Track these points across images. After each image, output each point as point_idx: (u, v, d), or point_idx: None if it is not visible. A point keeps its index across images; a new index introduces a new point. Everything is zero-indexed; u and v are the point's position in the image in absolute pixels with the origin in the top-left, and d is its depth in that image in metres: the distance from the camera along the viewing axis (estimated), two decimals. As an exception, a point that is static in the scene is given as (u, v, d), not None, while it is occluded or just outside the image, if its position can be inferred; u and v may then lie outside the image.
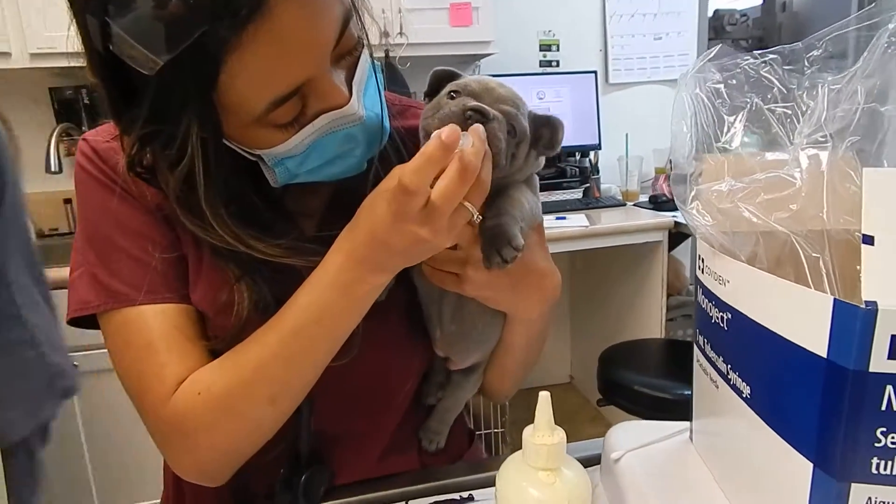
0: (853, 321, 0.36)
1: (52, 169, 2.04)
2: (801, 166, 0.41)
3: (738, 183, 0.47)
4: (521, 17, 2.71)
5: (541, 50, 2.78)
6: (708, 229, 0.49)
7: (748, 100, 0.50)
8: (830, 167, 0.40)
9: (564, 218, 2.15)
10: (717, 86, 0.51)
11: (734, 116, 0.50)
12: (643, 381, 1.62)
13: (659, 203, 2.32)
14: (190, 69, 0.46)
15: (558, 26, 2.78)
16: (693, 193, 0.51)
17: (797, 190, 0.41)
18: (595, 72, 2.57)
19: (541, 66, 2.77)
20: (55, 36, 1.86)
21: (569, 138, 2.72)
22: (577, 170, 2.53)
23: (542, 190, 2.33)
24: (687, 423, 0.63)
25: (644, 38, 2.88)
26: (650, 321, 2.26)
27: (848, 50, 0.49)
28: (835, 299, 0.37)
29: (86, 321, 0.60)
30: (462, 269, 0.59)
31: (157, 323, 0.58)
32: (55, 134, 2.06)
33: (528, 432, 0.45)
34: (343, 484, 0.67)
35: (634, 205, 2.45)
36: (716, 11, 3.07)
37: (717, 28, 3.21)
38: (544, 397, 0.45)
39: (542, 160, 0.64)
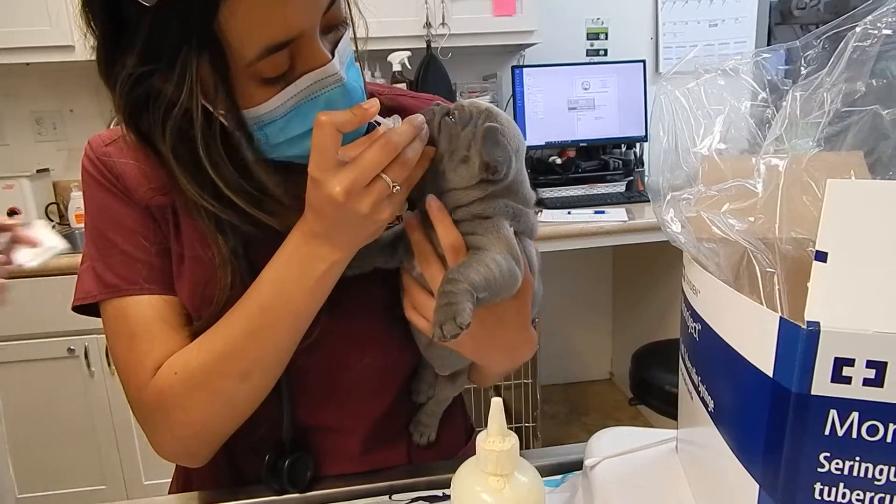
0: (796, 341, 0.34)
1: (110, 157, 2.16)
2: (762, 176, 0.40)
3: (708, 190, 0.45)
4: (568, 4, 2.65)
5: (588, 38, 2.71)
6: (679, 237, 0.47)
7: (728, 103, 0.49)
8: (790, 177, 0.38)
9: (604, 212, 2.11)
10: (698, 88, 0.50)
11: (712, 120, 0.48)
12: (674, 382, 1.58)
13: (706, 197, 2.23)
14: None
15: (607, 14, 2.71)
16: (668, 199, 0.50)
17: (756, 201, 0.40)
18: (644, 61, 2.49)
19: (588, 55, 2.71)
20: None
21: (614, 130, 2.63)
22: (621, 162, 2.46)
23: (584, 182, 2.26)
24: (674, 433, 0.61)
25: (698, 25, 2.77)
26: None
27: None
28: (780, 318, 0.35)
29: (91, 309, 0.64)
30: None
31: (142, 313, 0.61)
32: (112, 124, 2.16)
33: (481, 437, 0.45)
34: (329, 475, 0.69)
35: (680, 199, 2.36)
36: (782, -5, 2.91)
37: (784, 13, 3.04)
38: (496, 403, 0.45)
39: (504, 206, 0.59)
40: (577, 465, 0.68)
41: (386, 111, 0.71)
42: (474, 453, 0.82)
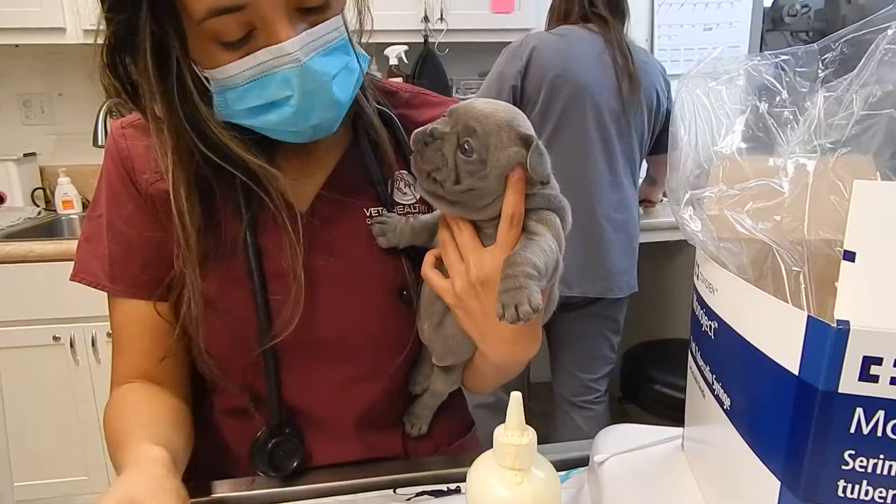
0: (824, 340, 0.35)
1: (100, 143, 2.12)
2: (788, 175, 0.40)
3: (729, 189, 0.46)
4: (566, 4, 2.65)
5: (584, 38, 2.72)
6: (698, 236, 0.47)
7: (749, 103, 0.49)
8: (817, 178, 0.38)
9: (597, 212, 2.11)
10: (719, 88, 0.50)
11: (733, 120, 0.49)
12: (665, 381, 1.59)
13: (697, 200, 2.26)
14: None
15: (604, 15, 2.71)
16: (687, 198, 0.50)
17: (782, 200, 0.40)
18: (638, 62, 2.50)
19: (583, 55, 2.71)
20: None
21: (605, 131, 2.58)
22: (615, 163, 2.47)
23: (574, 184, 2.24)
24: (680, 430, 0.62)
25: (693, 29, 2.79)
26: (683, 320, 2.21)
27: (864, 53, 0.47)
28: (808, 316, 0.36)
29: None
30: (455, 275, 0.58)
31: (127, 317, 0.64)
32: (103, 109, 2.13)
33: (499, 431, 0.45)
34: (328, 465, 0.68)
35: (671, 201, 2.38)
36: (775, 1, 2.93)
37: (776, 19, 3.07)
38: (516, 398, 0.45)
39: (559, 207, 0.59)
40: (580, 462, 0.69)
41: (410, 108, 0.72)
42: (473, 447, 0.81)
